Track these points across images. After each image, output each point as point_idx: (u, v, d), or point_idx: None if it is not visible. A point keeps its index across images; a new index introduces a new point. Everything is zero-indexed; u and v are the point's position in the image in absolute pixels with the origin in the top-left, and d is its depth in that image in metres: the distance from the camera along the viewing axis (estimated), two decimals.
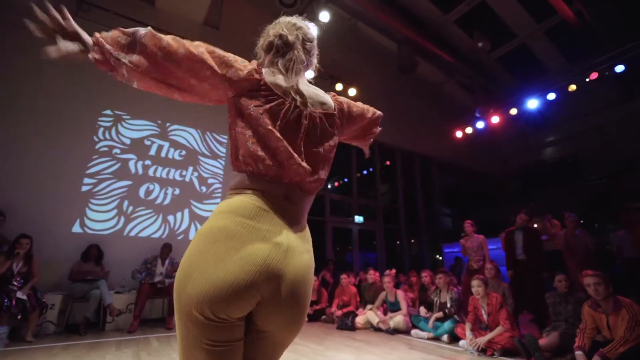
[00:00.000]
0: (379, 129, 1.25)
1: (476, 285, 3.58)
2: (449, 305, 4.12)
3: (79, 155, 4.98)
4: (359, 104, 1.14)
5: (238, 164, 0.86)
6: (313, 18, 5.90)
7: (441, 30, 7.99)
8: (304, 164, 0.86)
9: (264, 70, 0.89)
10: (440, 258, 10.18)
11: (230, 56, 0.87)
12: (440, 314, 4.08)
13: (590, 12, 6.45)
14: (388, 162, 9.98)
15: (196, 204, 5.87)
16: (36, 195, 4.54)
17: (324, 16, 5.85)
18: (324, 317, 5.30)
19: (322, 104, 0.95)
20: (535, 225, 5.41)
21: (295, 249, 0.82)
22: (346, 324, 4.61)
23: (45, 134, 4.76)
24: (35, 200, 4.52)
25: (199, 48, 0.83)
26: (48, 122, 4.81)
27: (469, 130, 9.30)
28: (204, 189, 6.03)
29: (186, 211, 5.74)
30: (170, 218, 5.56)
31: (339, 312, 5.02)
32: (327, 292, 5.79)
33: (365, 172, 9.61)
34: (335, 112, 0.98)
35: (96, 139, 5.17)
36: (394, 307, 4.67)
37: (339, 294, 5.40)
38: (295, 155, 0.85)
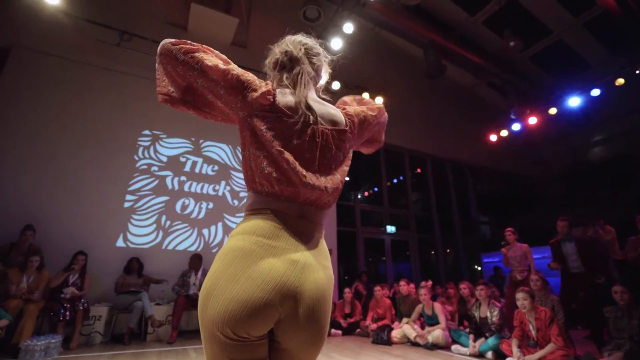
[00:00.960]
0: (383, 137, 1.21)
1: (521, 298, 3.34)
2: (490, 320, 3.87)
3: (121, 173, 5.32)
4: (366, 105, 1.11)
5: (254, 185, 0.88)
6: (337, 31, 5.98)
7: (469, 32, 7.79)
8: (319, 182, 0.87)
9: (277, 91, 0.91)
10: (480, 269, 9.65)
11: (249, 76, 0.89)
12: (482, 340, 3.81)
13: (635, 0, 6.00)
14: (419, 170, 9.73)
15: (229, 217, 6.03)
16: (84, 212, 4.88)
17: (348, 28, 5.91)
18: (358, 330, 5.17)
19: (333, 120, 0.95)
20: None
21: (312, 265, 0.82)
22: (382, 338, 4.46)
23: (91, 154, 5.14)
24: (83, 216, 4.86)
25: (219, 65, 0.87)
26: (94, 143, 5.20)
27: (504, 133, 8.87)
28: (236, 202, 6.19)
29: (219, 224, 5.90)
30: (205, 231, 5.74)
31: (374, 326, 4.88)
32: (361, 304, 5.66)
33: (395, 180, 9.42)
34: (347, 128, 0.97)
35: (136, 158, 5.51)
36: (431, 321, 4.46)
37: (373, 306, 5.26)
38: (310, 174, 0.85)
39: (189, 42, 0.91)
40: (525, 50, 8.10)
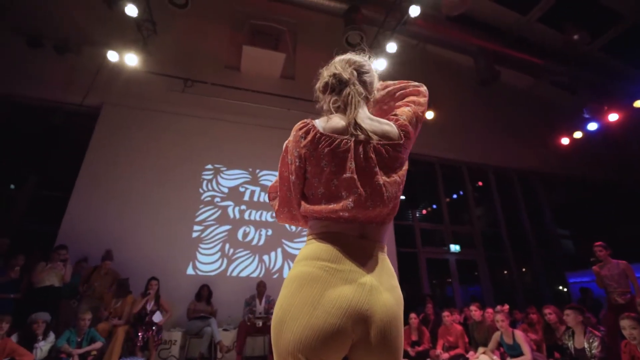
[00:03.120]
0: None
1: (629, 327, 2.81)
2: (589, 352, 3.30)
3: (189, 206, 5.80)
4: (412, 101, 1.06)
5: None
6: (380, 51, 6.03)
7: (523, 32, 7.30)
8: (378, 199, 0.85)
9: (315, 121, 0.93)
10: (566, 290, 8.44)
11: (284, 153, 0.96)
12: None
13: None
14: (480, 183, 9.05)
15: (288, 242, 6.16)
16: (159, 242, 5.37)
17: (391, 47, 5.92)
18: (428, 359, 4.78)
19: (387, 135, 0.93)
20: None
21: (380, 287, 0.80)
22: None
23: (163, 190, 5.71)
24: (159, 246, 5.34)
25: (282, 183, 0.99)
26: (164, 180, 5.78)
27: (577, 134, 7.94)
28: (293, 228, 6.31)
29: (279, 250, 6.05)
30: (265, 258, 5.91)
31: (446, 355, 4.47)
32: (428, 330, 5.25)
33: (455, 195, 8.86)
34: (402, 142, 0.93)
35: (201, 191, 5.98)
36: (513, 351, 3.94)
37: (443, 333, 4.84)
38: (367, 193, 0.84)
39: (271, 192, 1.11)
40: (594, 42, 7.31)
